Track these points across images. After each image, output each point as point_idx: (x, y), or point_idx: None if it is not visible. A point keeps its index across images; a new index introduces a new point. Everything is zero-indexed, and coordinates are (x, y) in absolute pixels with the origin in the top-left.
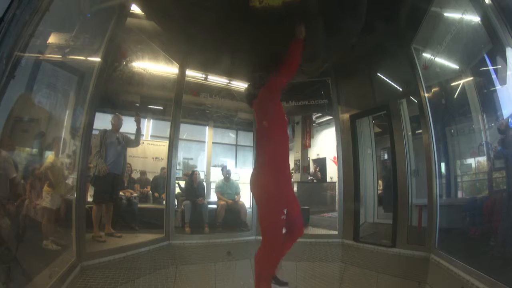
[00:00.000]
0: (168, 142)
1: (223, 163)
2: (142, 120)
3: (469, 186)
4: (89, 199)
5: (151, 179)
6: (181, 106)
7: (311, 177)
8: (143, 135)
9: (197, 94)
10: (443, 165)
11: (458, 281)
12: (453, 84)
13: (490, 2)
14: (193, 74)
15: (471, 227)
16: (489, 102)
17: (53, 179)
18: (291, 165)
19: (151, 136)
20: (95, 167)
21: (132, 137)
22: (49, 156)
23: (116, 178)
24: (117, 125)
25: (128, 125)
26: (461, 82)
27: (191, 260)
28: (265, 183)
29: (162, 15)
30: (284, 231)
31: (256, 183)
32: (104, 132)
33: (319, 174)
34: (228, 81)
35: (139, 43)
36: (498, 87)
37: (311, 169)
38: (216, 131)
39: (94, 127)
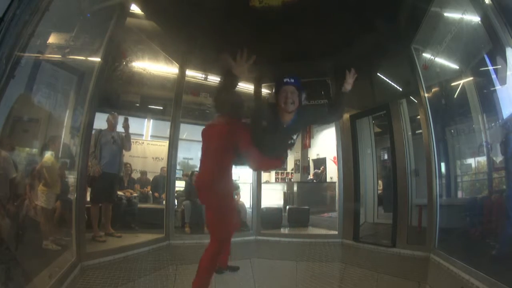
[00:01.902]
0: (168, 142)
1: None
2: (142, 120)
3: (469, 186)
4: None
5: (151, 179)
6: (181, 106)
7: (312, 178)
8: (142, 135)
9: (197, 94)
10: (443, 165)
11: (458, 281)
12: (453, 84)
13: (490, 2)
14: (193, 74)
15: (471, 227)
16: (489, 102)
17: (48, 178)
18: (291, 165)
19: (151, 136)
20: (90, 168)
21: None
22: (47, 155)
23: (113, 177)
24: (112, 124)
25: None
26: (461, 82)
27: (191, 260)
28: (230, 189)
29: (162, 15)
30: None
31: (217, 189)
32: (99, 132)
33: (324, 175)
34: None
35: (139, 43)
36: (498, 87)
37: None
38: None
39: (94, 126)
